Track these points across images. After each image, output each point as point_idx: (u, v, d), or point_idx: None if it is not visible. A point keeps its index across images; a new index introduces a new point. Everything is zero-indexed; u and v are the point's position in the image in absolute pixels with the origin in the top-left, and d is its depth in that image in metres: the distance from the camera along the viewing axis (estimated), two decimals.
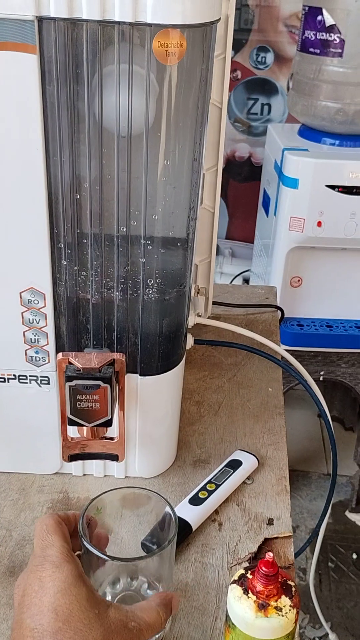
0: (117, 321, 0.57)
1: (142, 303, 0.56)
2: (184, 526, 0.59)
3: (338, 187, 1.44)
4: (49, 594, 0.41)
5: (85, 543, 0.47)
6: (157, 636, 0.48)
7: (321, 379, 1.71)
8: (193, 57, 0.46)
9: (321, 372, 1.71)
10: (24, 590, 0.43)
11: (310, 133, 1.56)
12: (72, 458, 0.58)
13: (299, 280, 1.64)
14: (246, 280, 2.05)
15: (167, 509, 0.51)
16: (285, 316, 1.68)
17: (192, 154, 0.53)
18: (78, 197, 0.52)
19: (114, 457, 0.58)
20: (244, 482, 0.65)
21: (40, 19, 0.44)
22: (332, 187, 1.45)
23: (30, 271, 0.54)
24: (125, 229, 0.53)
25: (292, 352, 1.53)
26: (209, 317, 0.89)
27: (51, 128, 0.48)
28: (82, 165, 0.50)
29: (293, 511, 1.84)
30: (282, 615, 0.42)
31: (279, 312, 0.97)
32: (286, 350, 0.88)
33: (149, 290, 0.56)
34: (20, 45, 0.44)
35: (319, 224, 1.49)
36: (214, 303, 0.91)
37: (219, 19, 0.47)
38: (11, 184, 0.50)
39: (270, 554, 0.41)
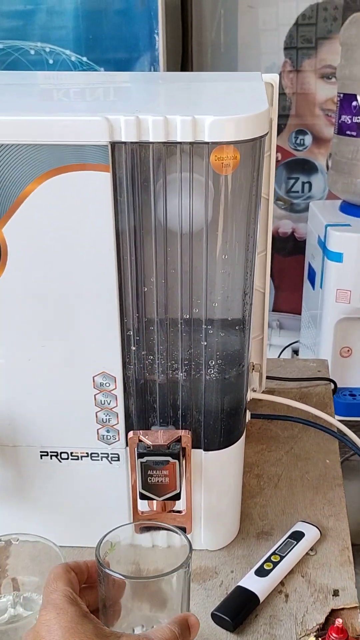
0: (182, 400, 0.61)
1: (205, 383, 0.61)
2: (251, 597, 0.61)
3: None
4: (58, 634, 0.42)
5: (101, 567, 0.48)
6: None
7: None
8: (246, 166, 0.53)
9: None
10: (33, 638, 0.44)
11: (351, 209, 1.62)
12: (143, 530, 0.61)
13: (348, 351, 1.66)
14: (295, 352, 2.08)
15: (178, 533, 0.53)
16: (337, 386, 1.70)
17: (246, 246, 0.59)
18: (145, 289, 0.58)
19: (182, 530, 0.62)
20: (307, 554, 0.67)
21: (113, 144, 0.51)
22: None
23: (102, 357, 0.60)
24: (187, 316, 0.59)
25: (346, 423, 1.52)
26: (263, 392, 0.93)
27: (122, 231, 0.55)
28: (149, 262, 0.56)
29: (358, 586, 1.78)
30: None
31: (332, 384, 0.99)
32: (340, 420, 0.90)
33: (210, 371, 0.60)
34: (96, 165, 0.52)
35: None
36: (268, 377, 0.95)
37: (267, 133, 0.53)
38: (87, 280, 0.57)
39: (340, 620, 0.43)
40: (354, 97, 1.49)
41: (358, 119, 1.50)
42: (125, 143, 0.51)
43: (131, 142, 0.51)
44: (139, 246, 0.56)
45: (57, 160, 0.52)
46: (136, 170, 0.53)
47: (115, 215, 0.54)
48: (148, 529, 0.62)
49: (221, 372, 0.60)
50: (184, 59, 1.87)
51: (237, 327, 0.61)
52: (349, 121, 1.52)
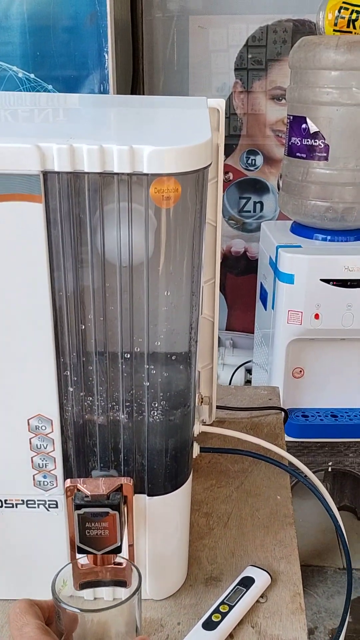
0: (124, 443, 0.58)
1: (148, 425, 0.57)
2: None
3: (332, 280, 1.49)
4: None
5: (59, 602, 0.48)
6: None
7: (330, 469, 1.69)
8: (189, 198, 0.50)
9: (329, 462, 1.69)
10: None
11: (302, 230, 1.62)
12: (83, 586, 0.57)
13: (300, 371, 1.66)
14: (249, 371, 2.07)
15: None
16: (290, 407, 1.69)
17: (190, 278, 0.56)
18: (83, 327, 0.54)
19: (123, 584, 0.58)
20: (257, 601, 0.63)
21: (46, 173, 0.47)
22: (327, 281, 1.49)
23: (37, 399, 0.56)
24: (128, 355, 0.55)
25: (298, 444, 1.51)
26: (213, 422, 0.90)
27: (56, 267, 0.51)
28: (87, 298, 0.53)
29: (310, 610, 1.76)
30: None
31: (283, 413, 0.97)
32: (293, 441, 0.88)
33: (153, 413, 0.57)
34: (26, 195, 0.48)
35: (317, 316, 1.52)
36: (218, 407, 0.92)
37: (210, 164, 0.51)
38: (19, 319, 0.53)
39: None
40: (304, 119, 1.49)
41: (308, 141, 1.50)
42: (58, 173, 0.48)
43: (65, 172, 0.48)
44: (76, 281, 0.52)
45: None
46: (71, 201, 0.49)
47: (49, 248, 0.50)
48: (89, 584, 0.58)
49: (165, 413, 0.57)
50: (135, 78, 1.85)
51: (181, 365, 0.58)
52: (299, 143, 1.52)
